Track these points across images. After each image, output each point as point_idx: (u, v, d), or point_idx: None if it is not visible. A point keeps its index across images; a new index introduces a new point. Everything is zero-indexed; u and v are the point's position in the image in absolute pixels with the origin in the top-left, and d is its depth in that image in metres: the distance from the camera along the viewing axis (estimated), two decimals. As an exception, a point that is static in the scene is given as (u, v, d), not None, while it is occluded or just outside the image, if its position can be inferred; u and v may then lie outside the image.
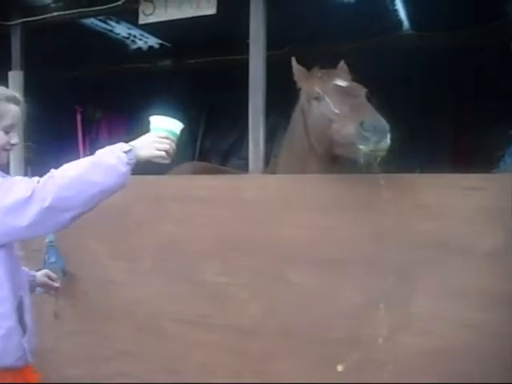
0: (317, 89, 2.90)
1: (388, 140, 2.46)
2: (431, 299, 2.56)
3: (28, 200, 2.00)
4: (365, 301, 2.69)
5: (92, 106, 6.97)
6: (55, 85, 5.83)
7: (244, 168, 3.46)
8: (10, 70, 3.80)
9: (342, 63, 3.21)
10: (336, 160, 3.00)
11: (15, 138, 2.33)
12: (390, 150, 2.50)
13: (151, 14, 3.46)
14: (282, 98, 3.37)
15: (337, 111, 2.72)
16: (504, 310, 2.42)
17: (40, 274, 2.93)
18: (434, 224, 2.56)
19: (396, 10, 4.70)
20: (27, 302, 2.41)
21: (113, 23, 5.19)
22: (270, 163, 3.54)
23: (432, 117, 5.54)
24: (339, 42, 4.87)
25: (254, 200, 2.98)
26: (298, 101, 3.25)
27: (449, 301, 2.52)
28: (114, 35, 5.53)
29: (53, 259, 3.38)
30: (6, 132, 2.28)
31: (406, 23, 4.98)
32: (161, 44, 5.88)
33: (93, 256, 3.40)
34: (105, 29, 5.32)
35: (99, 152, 2.14)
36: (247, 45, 3.14)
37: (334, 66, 3.19)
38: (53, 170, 2.09)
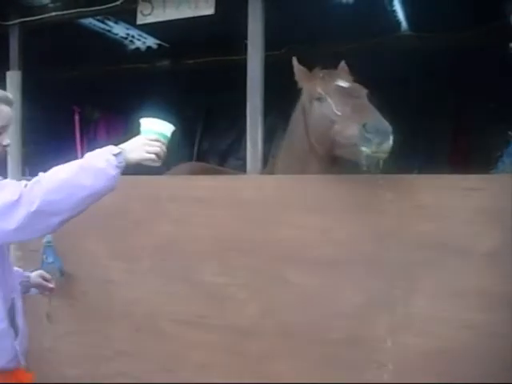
0: (319, 89, 2.89)
1: (390, 142, 2.46)
2: (430, 300, 2.56)
3: (15, 203, 1.97)
4: (364, 301, 2.69)
5: (90, 106, 6.97)
6: (53, 85, 5.83)
7: (242, 168, 3.46)
8: (8, 70, 3.79)
9: (342, 64, 3.21)
10: (336, 161, 2.99)
11: (7, 140, 2.30)
12: (391, 151, 2.50)
13: (149, 15, 3.46)
14: (280, 98, 3.37)
15: (339, 112, 2.71)
16: (503, 311, 2.42)
17: (34, 275, 2.92)
18: (433, 225, 2.56)
19: (394, 11, 4.71)
20: (19, 304, 2.40)
21: (111, 23, 5.19)
22: (268, 164, 3.53)
23: (430, 117, 5.54)
24: (338, 42, 4.88)
25: (252, 200, 2.98)
26: (297, 101, 3.25)
27: (448, 301, 2.52)
28: (112, 35, 5.53)
29: (50, 259, 3.38)
30: None
31: (404, 24, 4.98)
32: (159, 44, 5.88)
33: (91, 256, 3.40)
34: (103, 29, 5.31)
35: (88, 155, 2.12)
36: (245, 45, 3.14)
37: (334, 66, 3.19)
38: (41, 174, 2.07)
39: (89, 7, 3.62)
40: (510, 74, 4.71)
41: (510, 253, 2.40)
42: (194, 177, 3.55)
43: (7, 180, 2.20)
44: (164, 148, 2.23)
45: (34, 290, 2.92)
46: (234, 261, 3.00)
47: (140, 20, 3.50)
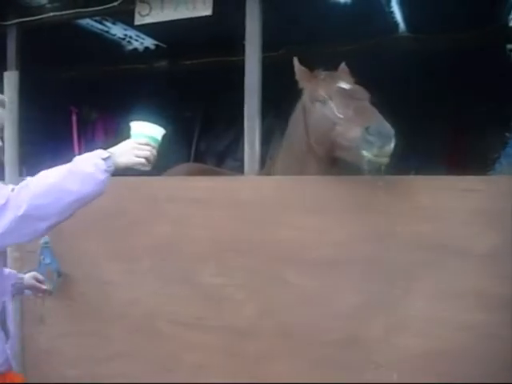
0: (321, 91, 2.88)
1: (392, 145, 2.46)
2: (429, 301, 2.57)
3: (2, 208, 1.95)
4: (362, 302, 2.69)
5: (88, 107, 6.95)
6: (51, 85, 5.81)
7: (239, 169, 3.46)
8: (6, 70, 3.78)
9: (343, 65, 3.19)
10: (335, 162, 2.99)
11: None
12: (392, 154, 2.50)
13: (147, 15, 3.46)
14: (278, 99, 3.37)
15: (341, 114, 2.70)
16: (501, 312, 2.42)
17: (28, 277, 2.91)
18: (432, 226, 2.57)
19: (392, 12, 4.71)
20: (10, 307, 2.39)
21: (109, 24, 5.18)
22: (265, 165, 3.54)
23: (427, 118, 5.55)
24: (335, 43, 4.88)
25: (250, 201, 2.98)
26: (295, 102, 3.24)
27: (446, 302, 2.53)
28: (110, 36, 5.52)
29: (48, 260, 3.38)
30: None
31: (401, 25, 4.99)
32: (157, 45, 5.88)
33: (89, 257, 3.40)
34: (101, 29, 5.31)
35: (77, 159, 2.09)
36: (243, 46, 3.14)
37: (334, 67, 3.18)
38: (29, 178, 2.05)
39: (87, 8, 3.61)
40: (508, 76, 4.72)
41: (508, 254, 2.41)
42: (191, 178, 3.55)
43: None
44: (154, 152, 2.21)
45: (27, 292, 2.91)
46: (231, 261, 3.00)
47: (138, 21, 3.50)
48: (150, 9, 3.43)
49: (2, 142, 2.51)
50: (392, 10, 4.66)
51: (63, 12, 3.72)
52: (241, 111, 3.12)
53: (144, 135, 2.20)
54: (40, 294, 3.01)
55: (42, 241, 3.35)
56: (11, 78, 3.71)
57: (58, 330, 3.51)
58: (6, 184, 2.13)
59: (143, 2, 3.44)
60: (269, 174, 3.35)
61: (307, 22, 4.59)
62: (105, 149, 2.13)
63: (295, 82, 3.16)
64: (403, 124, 2.52)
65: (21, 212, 1.94)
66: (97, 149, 2.12)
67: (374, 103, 2.80)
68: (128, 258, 3.29)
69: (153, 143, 2.21)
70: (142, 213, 3.27)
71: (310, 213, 2.83)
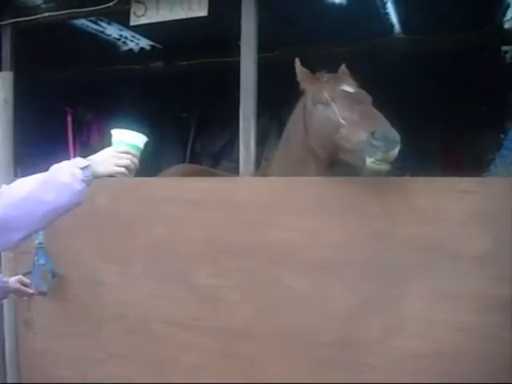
0: (324, 93, 2.86)
1: (396, 151, 2.46)
2: (424, 302, 2.56)
3: None
4: (357, 303, 2.69)
5: (83, 108, 6.95)
6: (46, 86, 5.81)
7: (235, 171, 3.45)
8: (0, 70, 3.77)
9: (343, 67, 3.18)
10: (334, 164, 2.98)
11: None
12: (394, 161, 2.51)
13: (142, 16, 3.45)
14: (274, 100, 3.37)
15: (346, 117, 2.69)
16: (497, 313, 2.42)
17: (13, 280, 2.89)
18: (428, 227, 2.56)
19: (387, 14, 4.72)
20: None
21: (104, 24, 5.18)
22: (260, 166, 3.53)
23: (423, 120, 5.56)
24: (330, 44, 4.89)
25: (245, 202, 2.98)
26: (292, 103, 3.24)
27: (443, 304, 2.52)
28: (105, 36, 5.52)
29: (42, 261, 3.36)
30: None
31: (397, 27, 5.00)
32: (152, 46, 5.88)
33: (84, 258, 3.39)
34: (96, 30, 5.31)
35: (54, 167, 2.05)
36: (239, 47, 3.13)
37: (329, 68, 3.17)
38: (4, 186, 2.01)
39: (82, 8, 3.60)
40: (503, 77, 4.73)
41: (505, 255, 2.41)
42: (186, 179, 3.55)
43: None
44: (135, 160, 2.18)
45: (13, 296, 2.88)
46: (226, 263, 2.99)
47: (133, 21, 3.49)
48: (146, 9, 3.42)
49: None
50: (387, 11, 4.67)
51: (58, 12, 3.71)
52: (236, 112, 3.12)
53: (125, 143, 2.17)
54: (25, 298, 2.98)
55: (37, 241, 3.34)
56: (6, 78, 3.70)
57: (52, 331, 3.51)
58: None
59: (138, 2, 3.43)
60: (264, 175, 3.34)
61: (303, 23, 4.59)
62: (86, 156, 2.10)
63: (291, 83, 3.16)
64: (399, 125, 2.52)
65: None
66: (93, 149, 2.11)
67: (377, 107, 2.80)
68: (123, 258, 3.29)
69: (134, 151, 2.17)
70: (137, 214, 3.26)
71: (306, 214, 2.83)
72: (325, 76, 3.05)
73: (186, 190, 3.16)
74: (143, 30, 5.18)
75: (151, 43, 5.80)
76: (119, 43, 5.78)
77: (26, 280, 2.92)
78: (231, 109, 3.31)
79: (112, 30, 5.37)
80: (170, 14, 3.37)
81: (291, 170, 3.12)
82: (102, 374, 3.30)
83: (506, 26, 4.66)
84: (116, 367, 3.28)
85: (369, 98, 2.87)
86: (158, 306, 3.17)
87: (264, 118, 6.14)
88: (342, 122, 2.70)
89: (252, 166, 3.08)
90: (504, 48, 5.32)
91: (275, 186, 2.99)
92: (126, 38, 5.61)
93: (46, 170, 2.07)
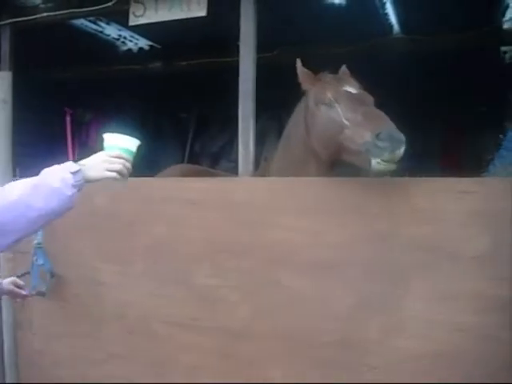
0: (328, 94, 2.84)
1: (402, 150, 2.46)
2: (424, 303, 2.56)
3: None
4: (357, 304, 2.69)
5: (82, 108, 6.95)
6: (45, 86, 5.81)
7: (234, 171, 3.45)
8: (-1, 70, 3.77)
9: (343, 68, 3.17)
10: (335, 165, 2.98)
11: None
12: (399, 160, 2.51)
13: (141, 16, 3.45)
14: (272, 100, 3.37)
15: (349, 118, 2.69)
16: (496, 314, 2.42)
17: (6, 282, 2.88)
18: (428, 228, 2.56)
19: (386, 14, 4.71)
20: None
21: (103, 24, 5.17)
22: (260, 166, 3.53)
23: (422, 120, 5.56)
24: (329, 44, 4.89)
25: (244, 202, 2.97)
26: (291, 103, 3.24)
27: (441, 304, 2.52)
28: (104, 36, 5.51)
29: (41, 261, 3.36)
30: None
31: (396, 27, 5.00)
32: (151, 46, 5.88)
33: (83, 258, 3.38)
34: (95, 30, 5.30)
35: (44, 172, 2.02)
36: (238, 47, 3.13)
37: (328, 69, 3.16)
38: None
39: (81, 8, 3.60)
40: (502, 77, 4.74)
41: (504, 255, 2.41)
42: (185, 179, 3.55)
43: None
44: (128, 165, 2.15)
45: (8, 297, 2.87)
46: (226, 263, 2.99)
47: (132, 21, 3.49)
48: (145, 9, 3.42)
49: None
50: (386, 11, 4.66)
51: (57, 12, 3.70)
52: (235, 112, 3.11)
53: (117, 147, 2.14)
54: (18, 300, 2.97)
55: (35, 241, 3.34)
56: (4, 78, 3.70)
57: (51, 331, 3.50)
58: None
59: (137, 2, 3.43)
60: (264, 175, 3.33)
61: (302, 23, 4.59)
62: (85, 156, 2.09)
63: (290, 84, 3.16)
64: (398, 126, 2.52)
65: None
66: (91, 150, 2.10)
67: (377, 107, 2.80)
68: (122, 258, 3.28)
69: (126, 155, 2.15)
70: (136, 214, 3.26)
71: (305, 214, 2.83)
72: (327, 77, 3.04)
73: (186, 190, 3.16)
74: (142, 30, 5.17)
75: (150, 43, 5.80)
76: (118, 43, 5.78)
77: (20, 282, 2.91)
78: (230, 109, 3.31)
79: (111, 30, 5.36)
80: (168, 14, 3.37)
81: (292, 170, 3.11)
82: (102, 374, 3.30)
83: (505, 26, 4.66)
84: (116, 367, 3.28)
85: (371, 99, 2.87)
86: (158, 306, 3.16)
87: (263, 118, 6.15)
88: (346, 122, 2.69)
89: (251, 166, 3.08)
90: (503, 48, 5.32)
91: (274, 186, 2.99)
92: (124, 38, 5.60)
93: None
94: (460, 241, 2.50)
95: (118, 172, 2.11)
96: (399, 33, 5.07)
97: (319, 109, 2.91)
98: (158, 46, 5.88)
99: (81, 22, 5.02)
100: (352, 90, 2.89)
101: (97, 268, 3.34)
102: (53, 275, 3.38)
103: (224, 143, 7.22)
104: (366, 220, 2.69)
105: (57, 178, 1.97)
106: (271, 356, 2.89)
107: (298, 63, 3.11)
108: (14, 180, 2.11)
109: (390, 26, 4.96)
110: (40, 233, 3.30)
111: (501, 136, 3.87)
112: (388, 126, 2.53)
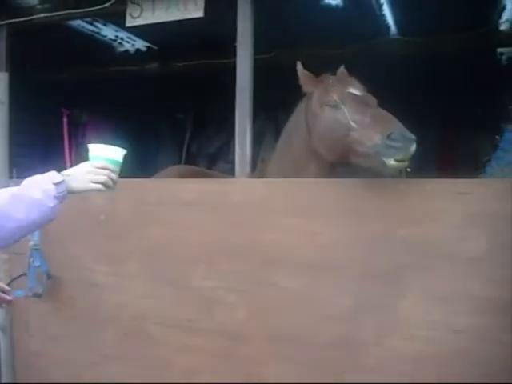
0: (334, 96, 2.84)
1: (414, 147, 2.47)
2: (419, 304, 2.56)
3: None
4: (353, 305, 2.69)
5: (78, 109, 6.93)
6: (41, 87, 5.80)
7: (231, 172, 3.44)
8: (-5, 71, 3.77)
9: (342, 68, 3.16)
10: (335, 166, 2.98)
11: None
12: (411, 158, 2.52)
13: (138, 17, 3.44)
14: (270, 101, 3.36)
15: (356, 120, 2.68)
16: (492, 315, 2.42)
17: None
18: (424, 229, 2.56)
19: (383, 15, 4.72)
20: None
21: (100, 25, 5.16)
22: (256, 168, 3.52)
23: (418, 121, 5.56)
24: (326, 46, 4.88)
25: (241, 204, 2.97)
26: (289, 105, 3.23)
27: (437, 306, 2.52)
28: (100, 37, 5.50)
29: (37, 263, 3.36)
30: None
31: (393, 28, 5.00)
32: (148, 47, 5.87)
33: (78, 260, 3.38)
34: (92, 31, 5.29)
35: (27, 181, 1.99)
36: (235, 48, 3.13)
37: (328, 70, 3.16)
38: None
39: (77, 9, 3.59)
40: (498, 79, 4.74)
41: (500, 257, 2.41)
42: (182, 180, 3.54)
43: None
44: (113, 175, 2.13)
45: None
46: (222, 264, 2.99)
47: (129, 22, 3.48)
48: (141, 10, 3.42)
49: None
50: (383, 13, 4.67)
51: (54, 13, 3.69)
52: (232, 113, 3.11)
53: (102, 158, 2.12)
54: (4, 305, 2.96)
55: (32, 243, 3.34)
56: (1, 79, 3.69)
57: (47, 332, 3.50)
58: None
59: (134, 3, 3.42)
60: (261, 176, 3.32)
61: (298, 24, 4.59)
62: (61, 170, 2.05)
63: (287, 85, 3.16)
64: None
65: None
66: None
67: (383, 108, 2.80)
68: (118, 260, 3.28)
69: (112, 166, 2.13)
70: (132, 215, 3.25)
71: (302, 216, 2.83)
72: (330, 78, 3.04)
73: (182, 192, 3.15)
74: (139, 31, 5.16)
75: (147, 44, 5.79)
76: (115, 44, 5.77)
77: (6, 287, 2.89)
78: (227, 110, 3.31)
79: (108, 31, 5.35)
80: (165, 15, 3.36)
81: (291, 171, 3.11)
82: (97, 375, 3.29)
83: (502, 27, 4.67)
84: (111, 369, 3.27)
85: (374, 100, 2.86)
86: (153, 307, 3.16)
87: (260, 119, 6.15)
88: (353, 125, 2.68)
89: (248, 168, 3.08)
90: (500, 50, 5.33)
91: (271, 187, 2.98)
92: (121, 39, 5.59)
93: (42, 172, 2.04)
94: (456, 242, 2.50)
95: (103, 184, 2.09)
96: (396, 34, 5.07)
97: (323, 111, 2.90)
98: (155, 47, 5.87)
99: (77, 23, 5.01)
100: (357, 91, 2.89)
101: (93, 270, 3.33)
102: (49, 277, 3.37)
103: (221, 144, 7.22)
104: (362, 221, 2.69)
105: (38, 189, 1.94)
106: (267, 357, 2.88)
107: (299, 65, 3.10)
108: (10, 181, 2.10)
109: (387, 28, 4.96)
110: (36, 234, 3.30)
111: (497, 137, 3.87)
112: (397, 126, 2.54)
